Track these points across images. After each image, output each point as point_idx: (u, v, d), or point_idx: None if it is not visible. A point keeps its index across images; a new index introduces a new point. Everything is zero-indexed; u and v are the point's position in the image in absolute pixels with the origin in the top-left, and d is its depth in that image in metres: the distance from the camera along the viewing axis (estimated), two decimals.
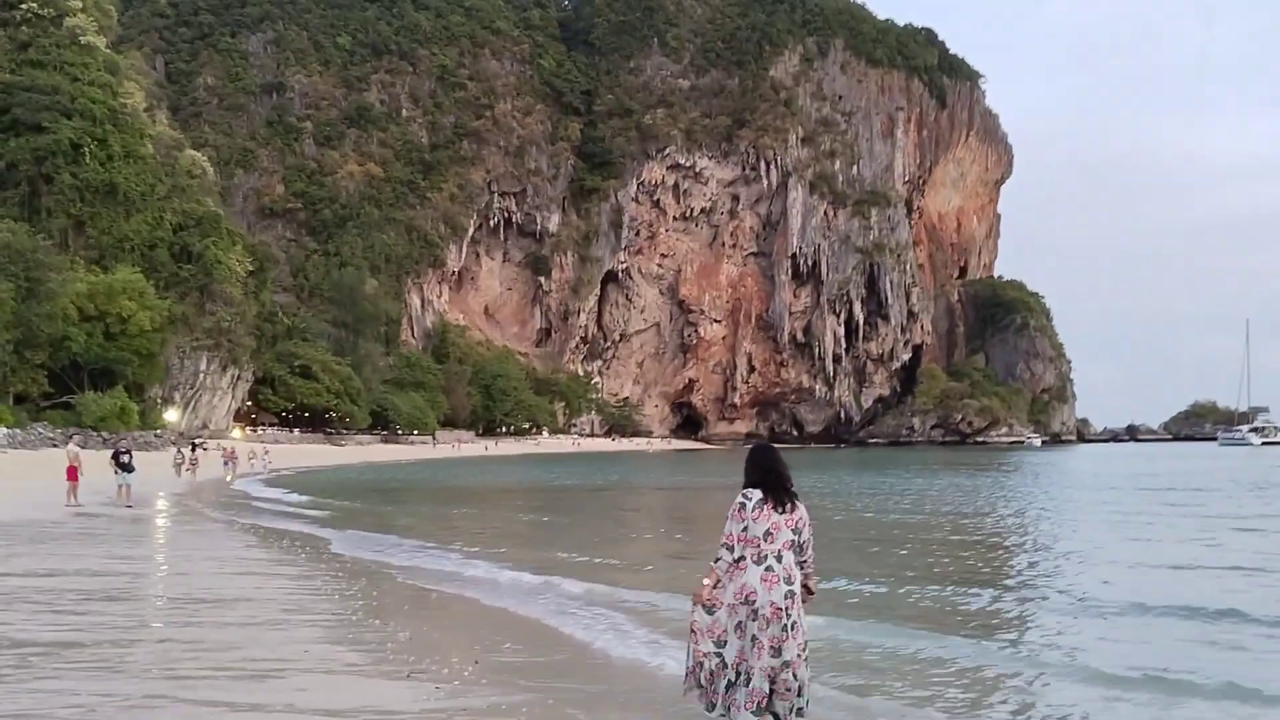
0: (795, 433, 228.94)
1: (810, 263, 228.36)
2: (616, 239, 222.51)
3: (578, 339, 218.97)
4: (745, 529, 5.84)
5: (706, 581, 5.96)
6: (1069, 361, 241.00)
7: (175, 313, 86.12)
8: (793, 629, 5.77)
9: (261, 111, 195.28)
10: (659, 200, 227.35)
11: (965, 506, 32.17)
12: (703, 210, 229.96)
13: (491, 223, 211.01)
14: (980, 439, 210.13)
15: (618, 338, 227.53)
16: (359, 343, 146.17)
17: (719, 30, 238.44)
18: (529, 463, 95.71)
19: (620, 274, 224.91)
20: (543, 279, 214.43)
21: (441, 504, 35.93)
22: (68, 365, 74.54)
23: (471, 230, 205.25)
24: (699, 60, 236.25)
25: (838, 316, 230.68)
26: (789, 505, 5.95)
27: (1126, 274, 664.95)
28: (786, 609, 5.76)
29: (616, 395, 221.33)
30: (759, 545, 5.81)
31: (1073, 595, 13.43)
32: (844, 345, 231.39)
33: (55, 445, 54.15)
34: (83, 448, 33.32)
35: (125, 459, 28.97)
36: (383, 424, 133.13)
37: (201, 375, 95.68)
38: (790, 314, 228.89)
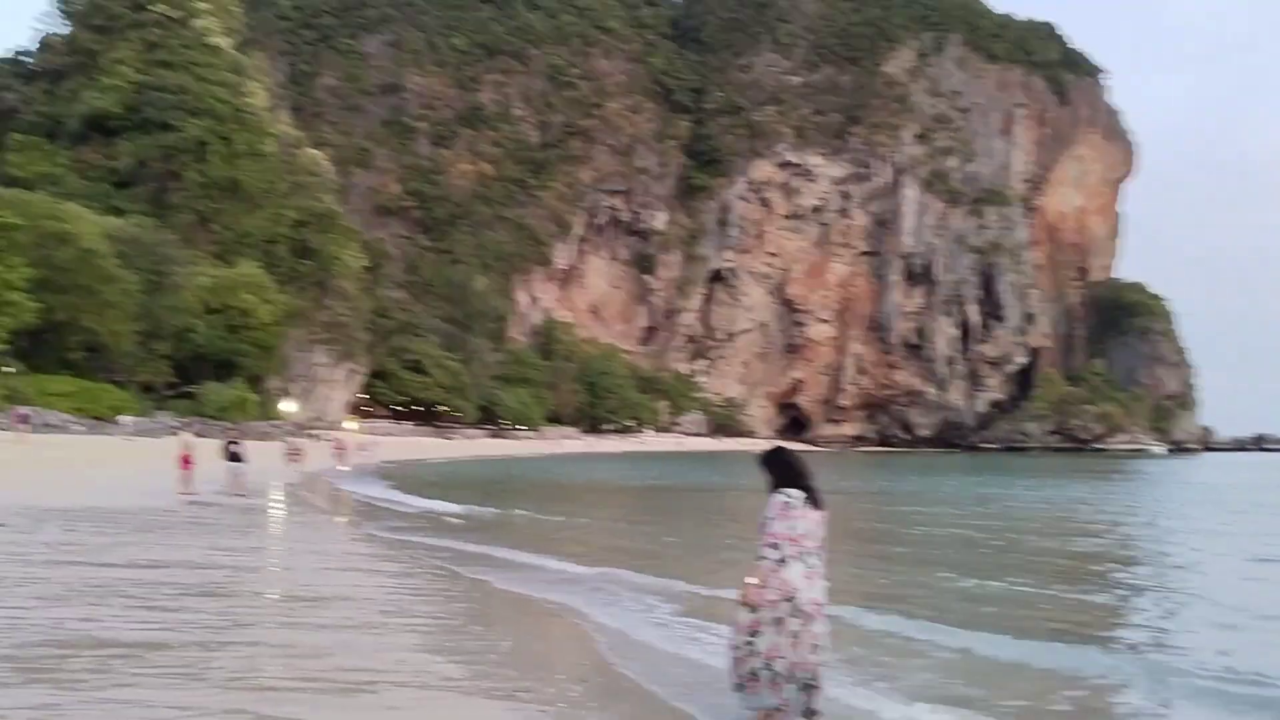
0: (905, 436, 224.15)
1: (923, 262, 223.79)
2: (723, 237, 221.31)
3: (683, 338, 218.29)
4: (791, 527, 5.90)
5: (753, 581, 5.92)
6: (1193, 367, 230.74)
7: (294, 307, 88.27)
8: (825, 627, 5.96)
9: (379, 111, 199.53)
10: (767, 198, 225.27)
11: (1112, 517, 30.37)
12: (812, 208, 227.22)
13: (599, 221, 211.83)
14: (1099, 446, 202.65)
15: (723, 337, 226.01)
16: (468, 339, 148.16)
17: (832, 26, 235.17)
18: (633, 461, 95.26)
19: (726, 273, 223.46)
20: (648, 277, 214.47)
21: (549, 501, 35.54)
22: (191, 356, 76.88)
23: (579, 228, 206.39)
24: (811, 56, 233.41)
25: (951, 318, 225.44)
26: (820, 504, 6.09)
27: (1255, 277, 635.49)
28: (824, 604, 5.92)
29: (721, 395, 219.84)
30: (800, 543, 5.88)
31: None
32: (958, 348, 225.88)
33: (177, 434, 55.56)
34: (200, 437, 33.91)
35: (236, 449, 29.19)
36: (490, 419, 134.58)
37: (317, 368, 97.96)
38: (901, 315, 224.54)
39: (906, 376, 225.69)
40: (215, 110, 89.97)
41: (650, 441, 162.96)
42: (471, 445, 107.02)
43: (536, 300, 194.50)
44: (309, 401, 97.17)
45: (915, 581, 15.06)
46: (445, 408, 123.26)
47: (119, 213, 77.38)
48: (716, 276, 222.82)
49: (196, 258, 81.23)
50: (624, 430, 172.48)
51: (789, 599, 5.81)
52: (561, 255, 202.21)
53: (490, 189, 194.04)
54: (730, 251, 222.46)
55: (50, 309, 59.68)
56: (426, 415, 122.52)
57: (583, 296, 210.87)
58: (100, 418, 61.59)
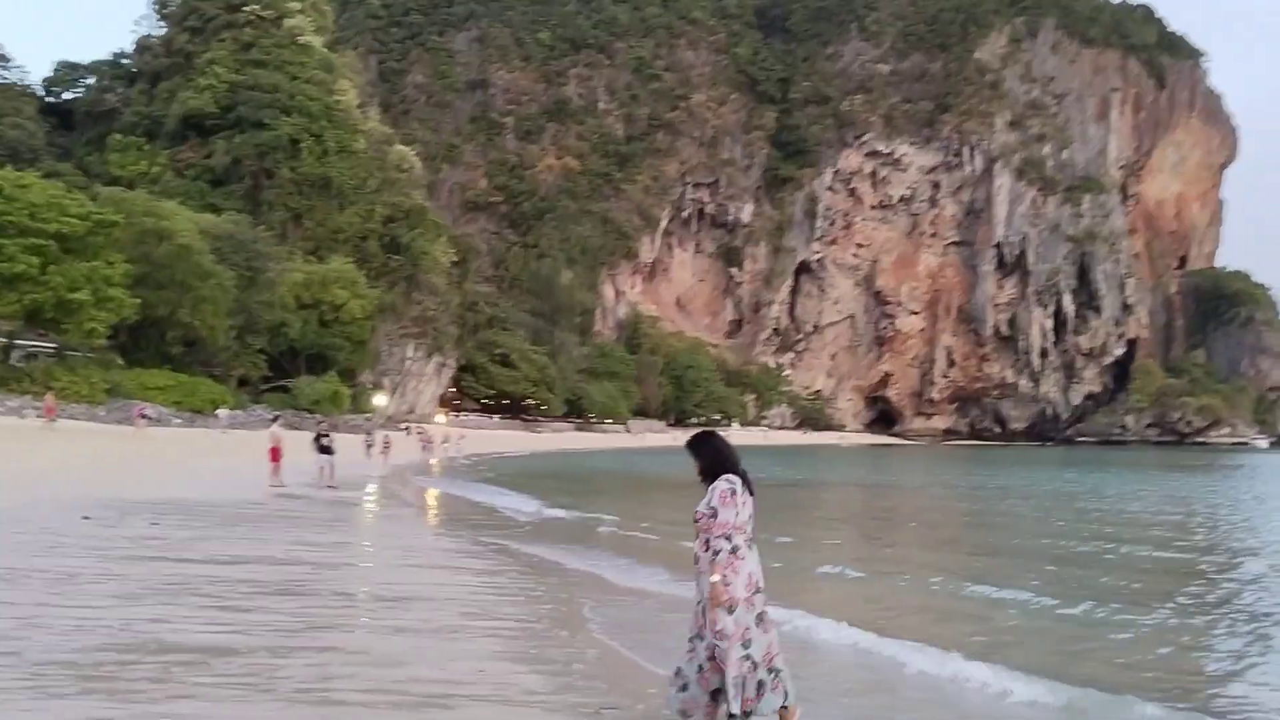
0: (997, 430, 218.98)
1: (1016, 252, 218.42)
2: (811, 229, 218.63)
3: (769, 330, 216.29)
4: (737, 515, 5.56)
5: (716, 578, 5.51)
6: None
7: (384, 301, 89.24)
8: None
9: (466, 108, 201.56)
10: (855, 189, 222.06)
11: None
12: (901, 198, 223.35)
13: (684, 214, 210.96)
14: (1199, 440, 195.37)
15: (810, 329, 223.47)
16: (555, 332, 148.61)
17: (921, 13, 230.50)
18: None
19: (814, 264, 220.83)
20: (734, 270, 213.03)
21: (633, 495, 35.02)
22: (285, 350, 78.22)
23: (665, 222, 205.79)
24: (900, 44, 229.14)
25: (1045, 308, 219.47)
26: (753, 489, 5.81)
27: None
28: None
29: (808, 388, 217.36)
30: (746, 529, 5.62)
31: None
32: (1052, 339, 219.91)
33: (270, 427, 56.41)
34: (291, 429, 34.13)
35: (325, 441, 29.20)
36: (577, 412, 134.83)
37: (408, 362, 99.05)
38: (994, 306, 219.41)
39: (999, 369, 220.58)
40: (307, 108, 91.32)
41: (736, 435, 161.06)
42: (558, 438, 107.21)
43: (622, 294, 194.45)
44: (400, 395, 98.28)
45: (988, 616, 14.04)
46: (532, 401, 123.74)
47: (215, 210, 79.01)
48: (804, 268, 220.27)
49: (290, 253, 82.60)
50: (710, 424, 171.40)
51: (758, 590, 5.59)
52: (647, 249, 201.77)
53: (576, 183, 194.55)
54: (818, 243, 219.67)
55: (149, 304, 61.01)
56: (514, 408, 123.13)
57: (668, 290, 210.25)
58: (198, 411, 62.94)
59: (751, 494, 5.74)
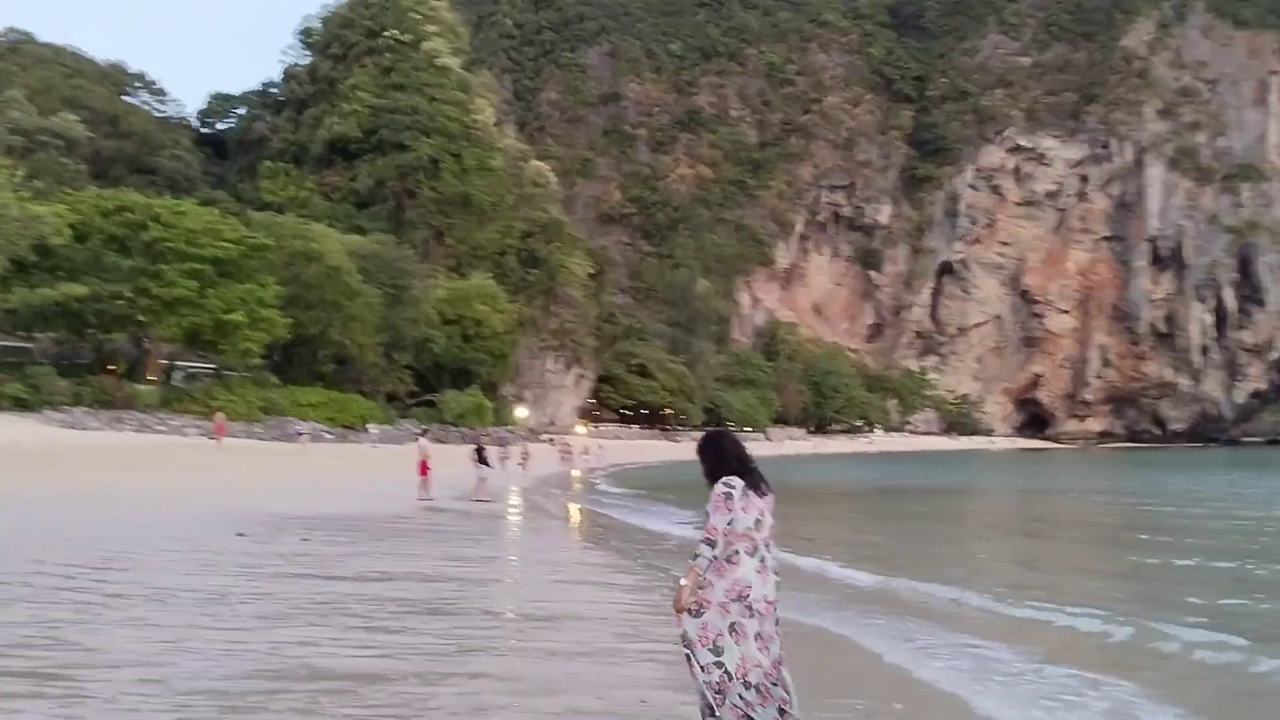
0: (1157, 431, 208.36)
1: (1171, 245, 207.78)
2: (952, 228, 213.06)
3: (911, 334, 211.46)
4: (732, 522, 5.28)
5: (685, 582, 5.32)
6: None
7: (524, 315, 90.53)
8: (777, 625, 5.40)
9: (599, 121, 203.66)
10: (998, 185, 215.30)
11: None
12: (1047, 194, 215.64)
13: (820, 218, 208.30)
14: None
15: (954, 332, 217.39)
16: (692, 341, 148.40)
17: (1063, 2, 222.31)
18: (862, 462, 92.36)
19: (956, 265, 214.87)
20: (873, 273, 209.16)
21: (785, 505, 34.08)
22: (430, 366, 79.99)
23: (800, 226, 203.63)
24: (1041, 35, 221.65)
25: (1204, 304, 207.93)
26: (766, 488, 5.50)
27: None
28: (776, 603, 5.39)
29: (954, 392, 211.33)
30: (751, 536, 5.34)
31: None
32: (1213, 335, 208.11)
33: (418, 440, 57.58)
34: (437, 442, 34.49)
35: (483, 455, 29.17)
36: (716, 421, 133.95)
37: (548, 374, 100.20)
38: (1149, 302, 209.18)
39: (1156, 367, 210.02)
40: (446, 129, 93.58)
41: (879, 441, 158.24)
42: None
43: (759, 301, 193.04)
44: (541, 407, 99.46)
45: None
46: (671, 410, 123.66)
47: (361, 231, 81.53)
48: (946, 269, 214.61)
49: (432, 271, 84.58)
50: (852, 431, 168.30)
51: (740, 598, 5.25)
52: (783, 254, 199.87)
53: (709, 191, 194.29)
54: (960, 243, 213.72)
55: (301, 324, 63.21)
56: (652, 418, 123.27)
57: (806, 295, 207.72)
58: (349, 426, 64.79)
59: (762, 495, 5.46)
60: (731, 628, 5.22)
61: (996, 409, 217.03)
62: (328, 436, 60.65)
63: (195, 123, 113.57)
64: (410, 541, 17.08)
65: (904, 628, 10.67)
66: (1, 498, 19.87)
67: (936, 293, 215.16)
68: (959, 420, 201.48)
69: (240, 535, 15.89)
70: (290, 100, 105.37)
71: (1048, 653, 9.46)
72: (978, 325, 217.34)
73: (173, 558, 12.89)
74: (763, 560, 5.35)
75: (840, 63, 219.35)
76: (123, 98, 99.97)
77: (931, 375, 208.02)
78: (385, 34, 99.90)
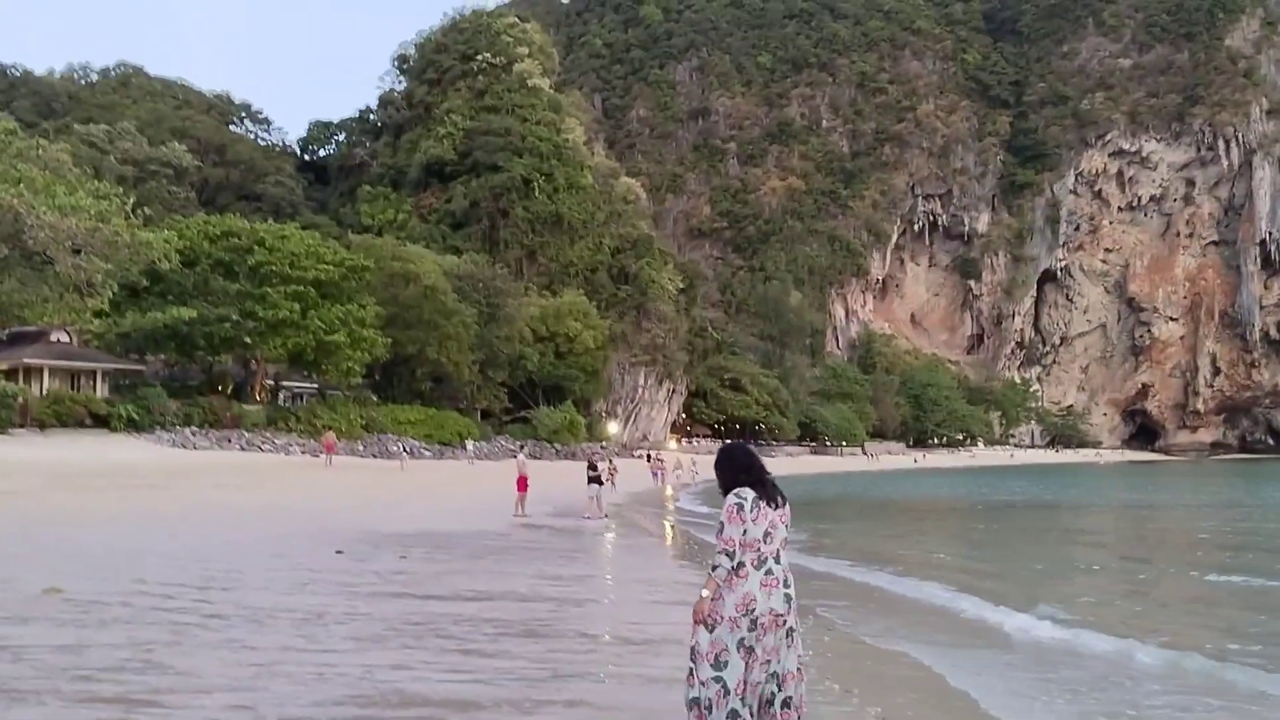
0: (1271, 442, 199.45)
1: None
2: (1053, 235, 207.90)
3: (1012, 344, 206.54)
4: (745, 532, 5.28)
5: (705, 593, 5.29)
6: None
7: (615, 331, 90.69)
8: (789, 637, 5.35)
9: (688, 137, 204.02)
10: (1100, 190, 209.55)
11: None
12: (1152, 198, 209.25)
13: (916, 227, 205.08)
14: None
15: (1058, 341, 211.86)
16: (785, 355, 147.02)
17: (1164, 3, 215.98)
18: (967, 476, 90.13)
19: (1059, 272, 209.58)
20: (972, 282, 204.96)
21: (878, 521, 33.24)
22: (524, 383, 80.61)
23: (895, 236, 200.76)
24: (1141, 36, 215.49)
25: None
26: (780, 500, 5.52)
27: None
28: (784, 615, 5.32)
29: (1058, 403, 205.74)
30: (758, 548, 5.31)
31: None
32: None
33: (516, 456, 57.99)
34: (533, 458, 34.53)
35: (595, 471, 28.95)
36: (811, 435, 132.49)
37: (640, 389, 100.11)
38: (1261, 308, 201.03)
39: (1270, 375, 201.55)
40: (537, 149, 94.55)
41: (981, 455, 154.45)
42: (792, 462, 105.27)
43: (853, 313, 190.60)
44: (633, 422, 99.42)
45: None
46: (764, 425, 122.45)
47: (456, 251, 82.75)
48: (1048, 277, 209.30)
49: (525, 289, 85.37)
50: (953, 444, 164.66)
51: (748, 613, 5.21)
52: (877, 265, 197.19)
53: (801, 203, 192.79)
54: (1062, 250, 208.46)
55: (399, 343, 64.24)
56: (745, 433, 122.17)
57: (902, 306, 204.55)
58: (446, 443, 65.55)
59: (775, 506, 5.46)
60: (739, 644, 5.20)
61: (1103, 420, 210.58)
62: (426, 453, 61.43)
63: (297, 150, 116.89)
64: (506, 560, 16.93)
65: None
66: (114, 518, 20.35)
67: (1038, 301, 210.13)
68: (1064, 432, 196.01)
69: (339, 553, 15.93)
70: (387, 125, 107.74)
71: None
72: (1082, 334, 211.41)
73: (272, 576, 12.91)
74: (769, 572, 5.32)
75: (934, 70, 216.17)
76: (229, 127, 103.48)
77: (1035, 387, 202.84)
78: (478, 57, 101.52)
